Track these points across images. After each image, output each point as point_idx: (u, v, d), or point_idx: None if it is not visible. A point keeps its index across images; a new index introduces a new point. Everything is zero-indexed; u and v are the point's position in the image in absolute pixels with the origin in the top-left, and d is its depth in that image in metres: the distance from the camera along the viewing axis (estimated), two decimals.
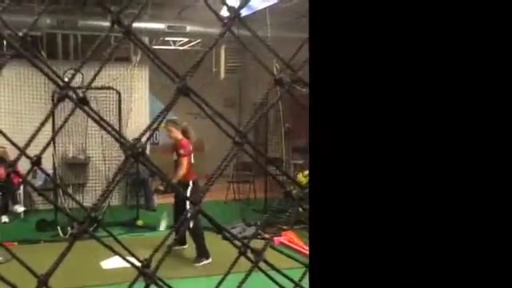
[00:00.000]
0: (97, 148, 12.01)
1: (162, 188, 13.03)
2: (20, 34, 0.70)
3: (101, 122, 0.76)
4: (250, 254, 0.88)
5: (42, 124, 0.73)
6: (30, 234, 9.36)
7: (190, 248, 8.01)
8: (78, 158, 12.06)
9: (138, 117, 12.25)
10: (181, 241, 8.02)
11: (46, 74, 0.71)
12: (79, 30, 11.09)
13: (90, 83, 0.82)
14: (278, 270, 0.93)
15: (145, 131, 0.81)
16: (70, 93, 0.73)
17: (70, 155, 12.02)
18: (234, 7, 0.78)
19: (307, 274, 0.97)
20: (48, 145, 0.75)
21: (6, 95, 11.69)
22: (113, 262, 7.47)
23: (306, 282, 0.98)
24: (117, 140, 0.77)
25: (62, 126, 0.77)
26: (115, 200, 12.07)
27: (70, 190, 11.29)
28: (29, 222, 10.27)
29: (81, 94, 0.73)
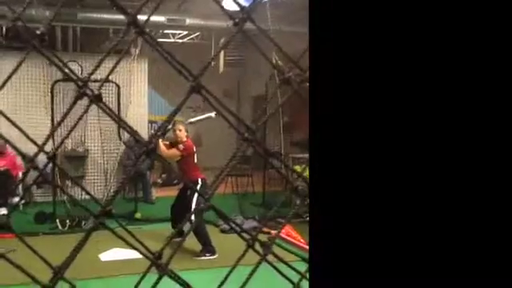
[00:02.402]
0: (96, 141, 12.01)
1: (160, 181, 13.06)
2: (38, 31, 0.72)
3: (116, 118, 0.78)
4: (257, 247, 0.90)
5: (62, 119, 0.75)
6: (28, 226, 9.37)
7: (189, 240, 8.04)
8: (77, 151, 12.06)
9: (137, 109, 12.25)
10: (181, 232, 8.07)
11: (66, 73, 0.73)
12: (78, 22, 11.07)
13: (106, 79, 0.84)
14: (285, 263, 0.95)
15: (158, 129, 0.83)
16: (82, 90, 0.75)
17: (69, 148, 12.02)
18: (246, 7, 0.80)
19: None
20: (63, 140, 0.78)
21: (5, 87, 11.64)
22: (111, 255, 7.50)
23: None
24: (133, 136, 0.80)
25: (75, 124, 0.79)
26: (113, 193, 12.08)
27: (69, 183, 11.27)
28: (27, 214, 10.27)
29: (96, 91, 0.76)
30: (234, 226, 0.91)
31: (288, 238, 8.42)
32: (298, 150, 12.35)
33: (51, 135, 0.73)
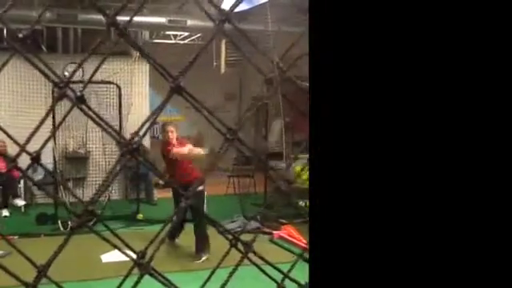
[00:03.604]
0: (97, 142, 12.02)
1: (161, 182, 13.05)
2: (20, 35, 0.73)
3: (97, 119, 0.79)
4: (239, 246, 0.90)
5: (42, 121, 0.75)
6: (30, 227, 9.38)
7: (181, 242, 8.07)
8: (79, 152, 12.06)
9: (138, 111, 12.26)
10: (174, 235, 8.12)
11: (45, 74, 0.74)
12: (79, 23, 11.09)
13: (89, 80, 0.84)
14: (267, 262, 0.96)
15: (140, 128, 0.84)
16: (69, 91, 0.76)
17: (71, 149, 12.02)
18: (224, 10, 0.81)
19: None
20: (47, 141, 0.78)
21: (5, 89, 11.66)
22: (113, 256, 7.50)
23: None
24: (112, 137, 0.80)
25: (60, 124, 0.80)
26: (115, 194, 12.10)
27: (70, 185, 11.28)
28: (29, 215, 10.29)
29: (79, 93, 0.76)
30: (218, 226, 0.91)
31: (289, 239, 8.42)
32: (299, 150, 12.34)
33: (32, 136, 0.74)
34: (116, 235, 0.88)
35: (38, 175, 10.12)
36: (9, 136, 0.77)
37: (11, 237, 8.54)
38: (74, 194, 0.99)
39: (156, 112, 0.84)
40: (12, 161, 0.75)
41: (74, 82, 0.84)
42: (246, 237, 0.95)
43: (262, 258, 0.94)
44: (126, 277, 0.82)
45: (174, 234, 8.12)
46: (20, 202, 10.88)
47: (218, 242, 7.86)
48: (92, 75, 0.84)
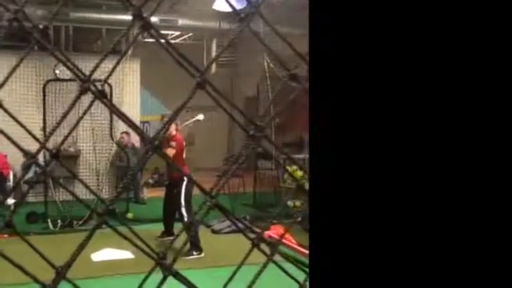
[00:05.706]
0: (88, 141, 11.96)
1: (151, 181, 13.04)
2: (41, 26, 0.71)
3: (120, 115, 0.77)
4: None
5: (63, 117, 0.73)
6: (20, 226, 9.32)
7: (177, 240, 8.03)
8: (69, 151, 12.00)
9: (129, 109, 12.21)
10: (171, 232, 8.14)
11: (69, 68, 0.72)
12: (71, 21, 11.04)
13: (107, 77, 0.82)
14: (292, 262, 0.94)
15: (164, 126, 0.82)
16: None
17: (61, 148, 11.96)
18: (255, 2, 0.79)
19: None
20: (66, 138, 0.76)
21: None
22: (103, 255, 7.47)
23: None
24: (137, 133, 0.78)
25: (79, 120, 0.78)
26: (105, 193, 12.04)
27: (62, 183, 11.21)
28: (19, 214, 10.22)
29: (98, 88, 0.74)
30: (238, 225, 0.89)
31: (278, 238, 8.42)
32: (290, 150, 12.36)
33: (52, 133, 0.72)
34: (136, 234, 0.86)
35: (29, 174, 10.05)
36: (30, 133, 0.75)
37: (1, 236, 8.48)
38: (94, 192, 0.97)
39: (177, 111, 0.82)
40: (32, 157, 0.72)
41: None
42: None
43: (286, 259, 0.92)
44: (147, 277, 0.80)
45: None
46: (10, 201, 10.81)
47: (212, 241, 7.90)
48: (110, 73, 0.82)
